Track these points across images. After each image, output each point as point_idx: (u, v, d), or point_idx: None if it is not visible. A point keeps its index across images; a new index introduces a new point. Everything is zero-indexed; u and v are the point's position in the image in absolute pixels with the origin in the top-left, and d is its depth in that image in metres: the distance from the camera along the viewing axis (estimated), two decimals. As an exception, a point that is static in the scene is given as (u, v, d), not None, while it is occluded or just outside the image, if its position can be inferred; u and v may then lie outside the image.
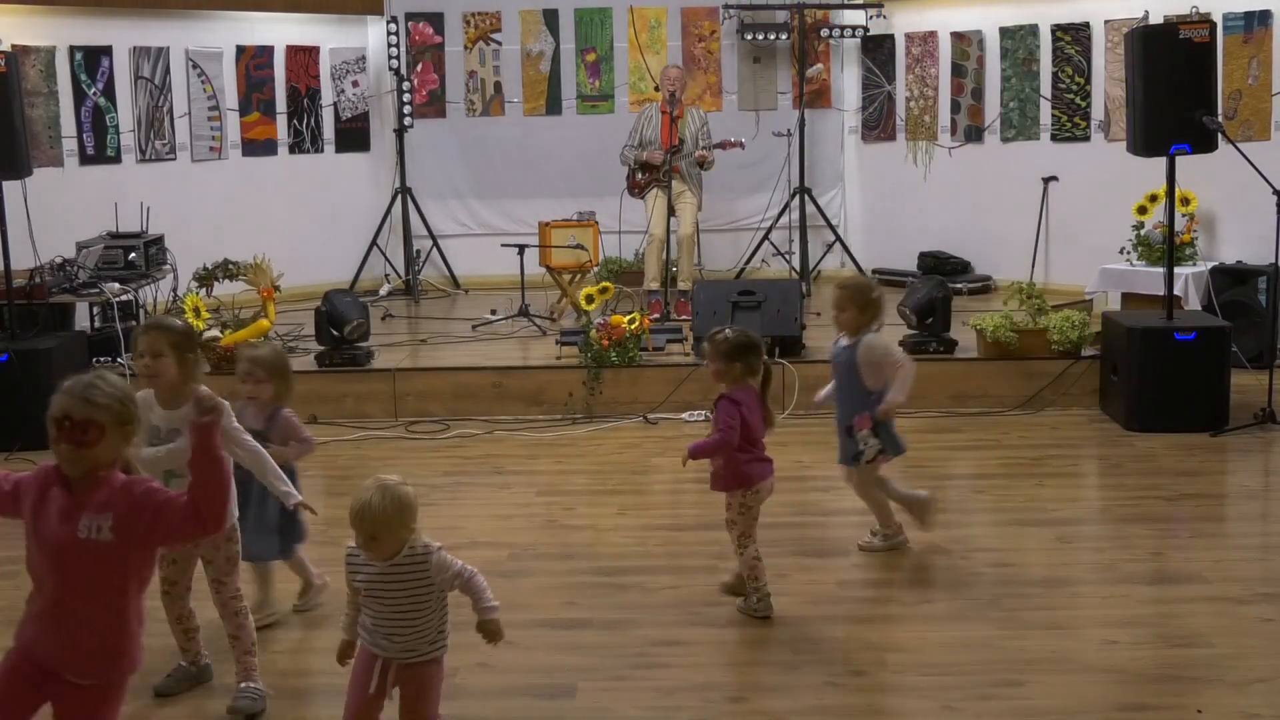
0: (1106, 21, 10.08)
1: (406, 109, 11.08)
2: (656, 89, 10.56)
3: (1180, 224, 8.59)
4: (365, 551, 3.53)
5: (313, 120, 11.20)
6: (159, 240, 9.12)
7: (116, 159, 10.05)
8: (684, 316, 9.05)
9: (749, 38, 11.28)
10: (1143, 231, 9.20)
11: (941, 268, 10.61)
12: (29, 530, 3.11)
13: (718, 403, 4.82)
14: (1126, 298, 9.10)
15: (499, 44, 11.61)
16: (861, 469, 5.41)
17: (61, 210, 9.11)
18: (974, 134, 10.90)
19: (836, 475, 6.96)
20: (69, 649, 3.10)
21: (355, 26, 11.42)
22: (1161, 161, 7.48)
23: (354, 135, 11.46)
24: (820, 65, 11.45)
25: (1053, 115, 10.45)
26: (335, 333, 8.16)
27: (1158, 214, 8.96)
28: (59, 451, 3.05)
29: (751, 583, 4.90)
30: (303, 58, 11.10)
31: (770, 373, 4.93)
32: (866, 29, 11.29)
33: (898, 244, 11.20)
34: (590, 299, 8.68)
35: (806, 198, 11.00)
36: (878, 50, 11.40)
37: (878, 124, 11.49)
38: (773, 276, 10.56)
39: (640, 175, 9.92)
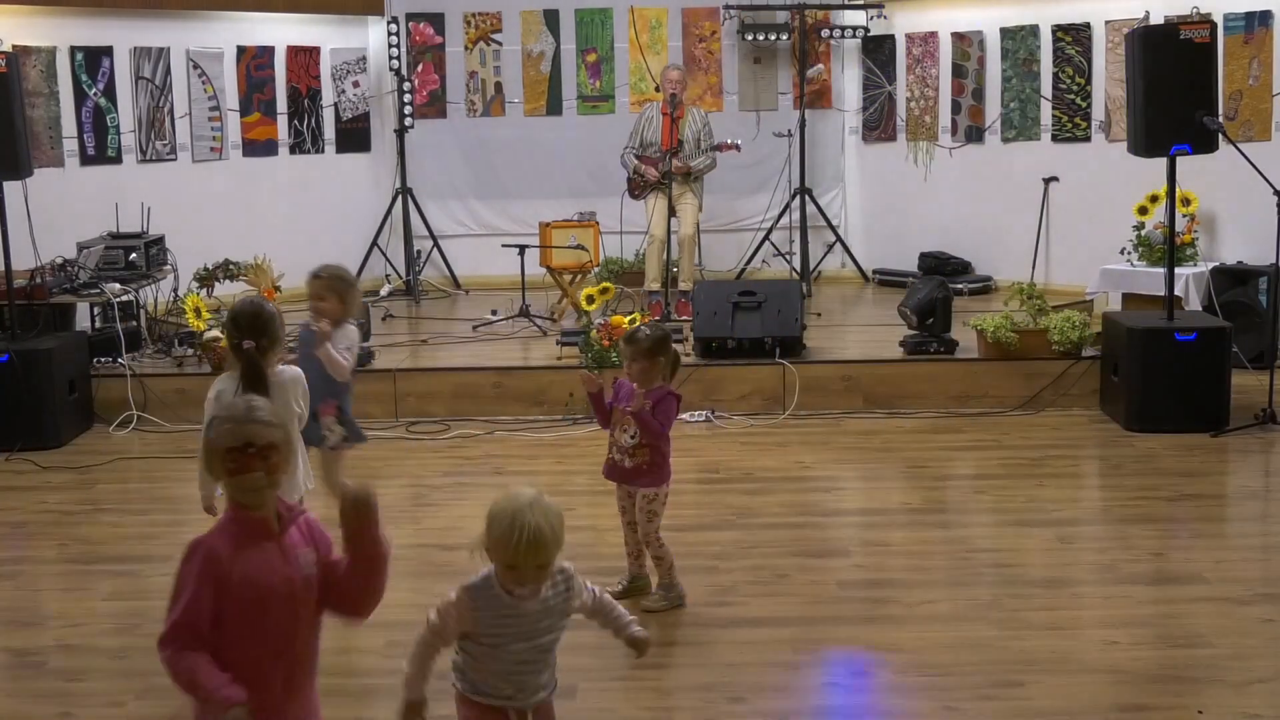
0: (1107, 22, 10.08)
1: (407, 109, 11.07)
2: (657, 89, 10.56)
3: (1181, 224, 8.58)
4: (521, 584, 3.04)
5: (313, 121, 11.20)
6: (160, 241, 9.12)
7: (117, 159, 10.05)
8: (685, 317, 9.05)
9: (749, 38, 11.28)
10: (1143, 232, 9.20)
11: (942, 268, 10.61)
12: (249, 606, 2.81)
13: (660, 400, 4.87)
14: (1127, 298, 9.10)
15: (499, 44, 11.61)
16: (326, 454, 5.47)
17: (62, 210, 9.10)
18: (975, 134, 10.89)
19: (836, 476, 6.99)
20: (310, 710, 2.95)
21: (356, 27, 11.42)
22: (1162, 162, 7.48)
23: (355, 135, 11.46)
24: (821, 66, 11.44)
25: (1053, 115, 10.45)
26: (336, 333, 8.15)
27: (1158, 214, 8.95)
28: (248, 481, 2.82)
29: (670, 574, 5.01)
30: (303, 58, 11.10)
31: (678, 357, 5.03)
32: (867, 29, 11.29)
33: (898, 244, 11.19)
34: (591, 299, 8.68)
35: (807, 198, 11.00)
36: (878, 51, 11.40)
37: (878, 124, 11.49)
38: (773, 277, 10.55)
39: (640, 177, 9.92)
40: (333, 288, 5.42)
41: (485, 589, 3.06)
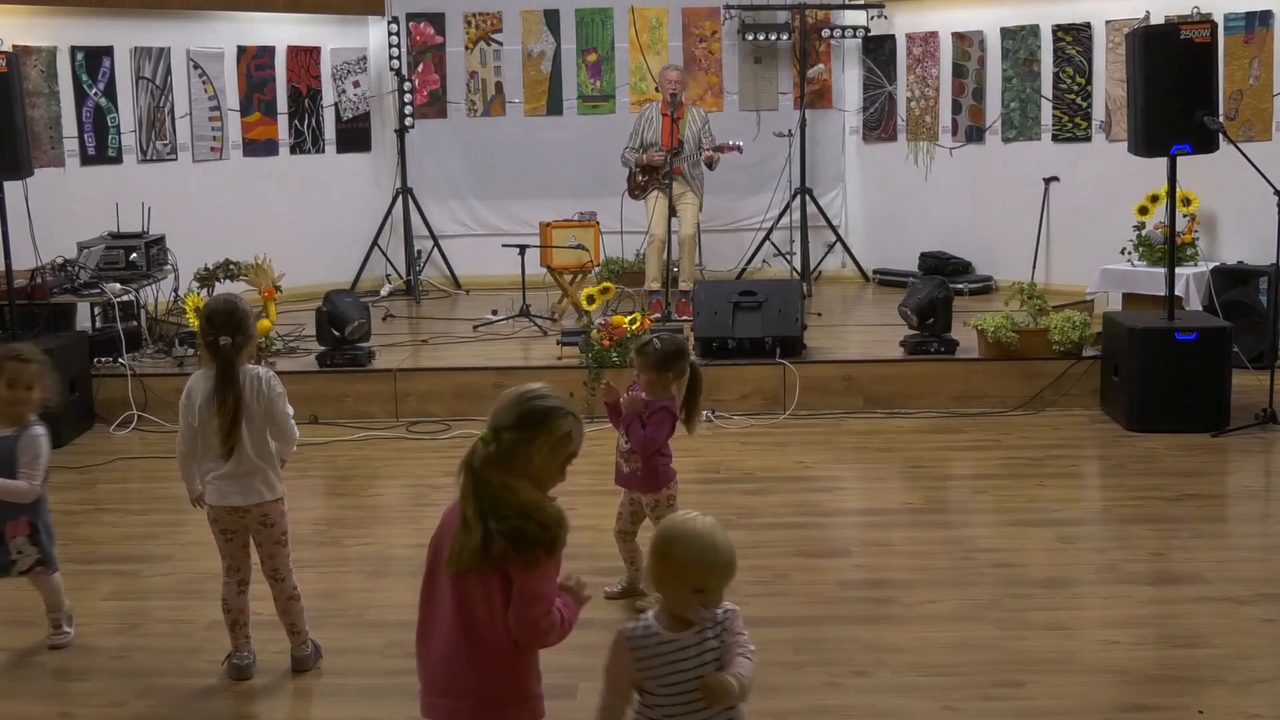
0: (1107, 22, 10.08)
1: (407, 109, 11.07)
2: (657, 89, 10.56)
3: (1181, 224, 8.58)
4: (708, 606, 2.90)
5: (314, 120, 11.20)
6: (160, 240, 9.12)
7: (118, 159, 10.05)
8: (685, 317, 9.05)
9: (750, 38, 11.27)
10: (1144, 232, 9.20)
11: (942, 268, 10.60)
12: None
13: (654, 413, 4.87)
14: (1127, 298, 9.11)
15: (500, 44, 11.61)
16: (36, 579, 4.72)
17: (63, 210, 9.10)
18: (975, 134, 10.89)
19: (837, 475, 6.98)
20: None
21: (356, 27, 11.41)
22: (1162, 162, 7.48)
23: (355, 135, 11.46)
24: (821, 65, 11.44)
25: (1054, 115, 10.44)
26: (336, 333, 8.16)
27: (1159, 214, 8.95)
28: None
29: None
30: (304, 58, 11.10)
31: (699, 375, 4.96)
32: (867, 29, 11.29)
33: (899, 244, 11.19)
34: (591, 299, 8.68)
35: (807, 198, 11.00)
36: (879, 50, 11.39)
37: (879, 124, 11.48)
38: (774, 277, 10.55)
39: (641, 176, 9.91)
40: (41, 377, 4.63)
41: (644, 633, 2.93)
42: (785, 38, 11.27)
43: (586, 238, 9.56)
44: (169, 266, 9.15)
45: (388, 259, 11.28)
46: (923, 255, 10.91)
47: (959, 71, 10.95)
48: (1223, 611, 4.86)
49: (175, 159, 10.42)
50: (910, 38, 11.22)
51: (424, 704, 3.07)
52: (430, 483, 6.72)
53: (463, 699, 3.00)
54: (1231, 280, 8.76)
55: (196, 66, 10.49)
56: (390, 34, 11.03)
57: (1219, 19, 9.03)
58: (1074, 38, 10.29)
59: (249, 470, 4.35)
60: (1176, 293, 7.85)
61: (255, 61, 10.83)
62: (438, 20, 11.55)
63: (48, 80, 9.60)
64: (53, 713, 4.26)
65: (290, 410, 4.45)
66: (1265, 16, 9.16)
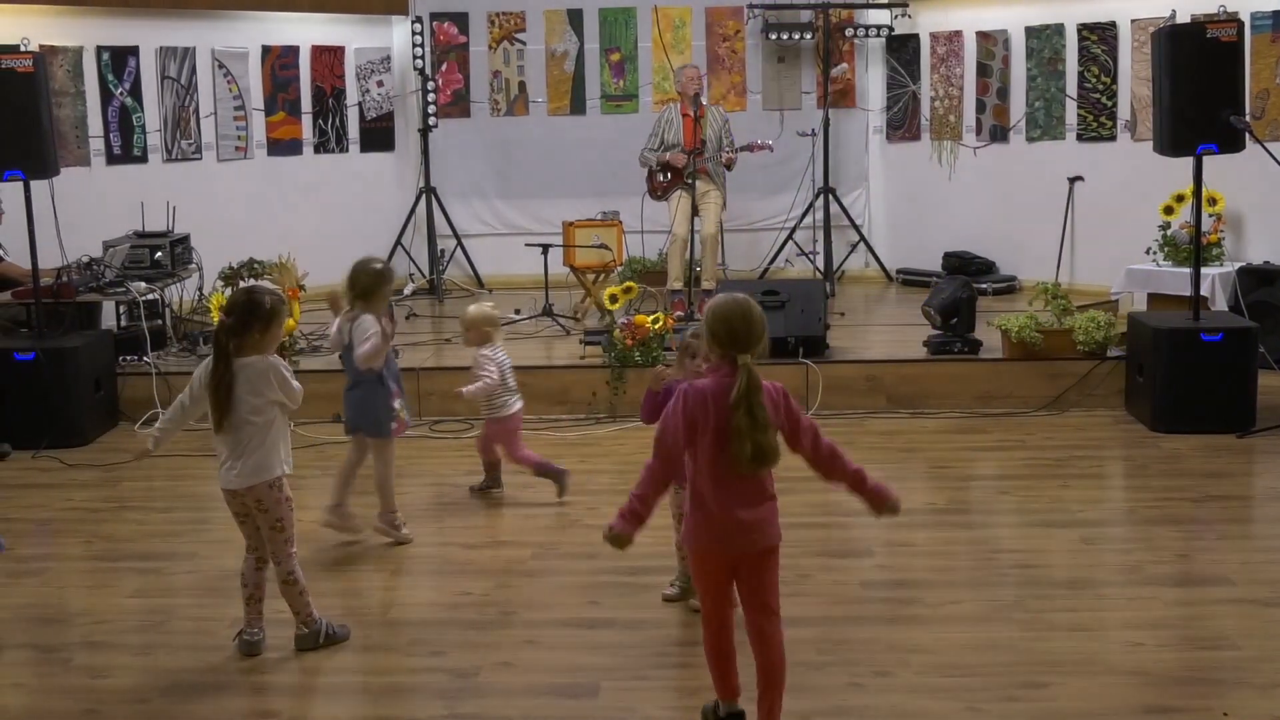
0: (1133, 21, 10.03)
1: (431, 109, 11.10)
2: (677, 89, 10.55)
3: (1207, 224, 8.54)
4: None
5: (338, 120, 11.24)
6: (185, 239, 9.17)
7: (143, 159, 10.10)
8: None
9: (773, 37, 11.27)
10: (1169, 232, 9.15)
11: (966, 268, 10.56)
12: None
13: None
14: (1152, 298, 9.07)
15: (523, 44, 11.63)
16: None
17: (88, 210, 9.16)
18: (999, 134, 10.86)
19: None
20: None
21: (380, 26, 11.45)
22: (1188, 161, 7.45)
23: (379, 135, 11.50)
24: (845, 65, 11.42)
25: (1078, 115, 10.40)
26: (360, 332, 8.17)
27: (1184, 214, 8.91)
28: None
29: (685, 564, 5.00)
30: (328, 57, 11.14)
31: None
32: (891, 28, 11.27)
33: (922, 244, 11.17)
34: (614, 299, 8.69)
35: (830, 197, 10.98)
36: (902, 50, 11.37)
37: (902, 124, 11.46)
38: (796, 276, 10.54)
39: (663, 176, 9.91)
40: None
41: None
42: (809, 37, 11.26)
43: (609, 237, 9.57)
44: (193, 265, 9.19)
45: (411, 258, 11.32)
46: (946, 255, 10.89)
47: (983, 71, 10.92)
48: (1248, 613, 4.83)
49: (200, 158, 10.47)
50: (934, 37, 11.19)
51: (724, 545, 3.91)
52: (453, 482, 6.73)
53: (764, 520, 3.93)
54: (1257, 280, 8.71)
55: (221, 66, 10.54)
56: (414, 33, 11.07)
57: (1245, 18, 8.95)
58: (1099, 37, 10.25)
59: (243, 455, 4.53)
60: (1202, 293, 7.81)
61: (279, 61, 10.88)
62: (461, 20, 11.57)
63: (74, 80, 9.65)
64: (78, 709, 4.28)
65: (295, 384, 4.60)
66: (1292, 15, 9.11)
